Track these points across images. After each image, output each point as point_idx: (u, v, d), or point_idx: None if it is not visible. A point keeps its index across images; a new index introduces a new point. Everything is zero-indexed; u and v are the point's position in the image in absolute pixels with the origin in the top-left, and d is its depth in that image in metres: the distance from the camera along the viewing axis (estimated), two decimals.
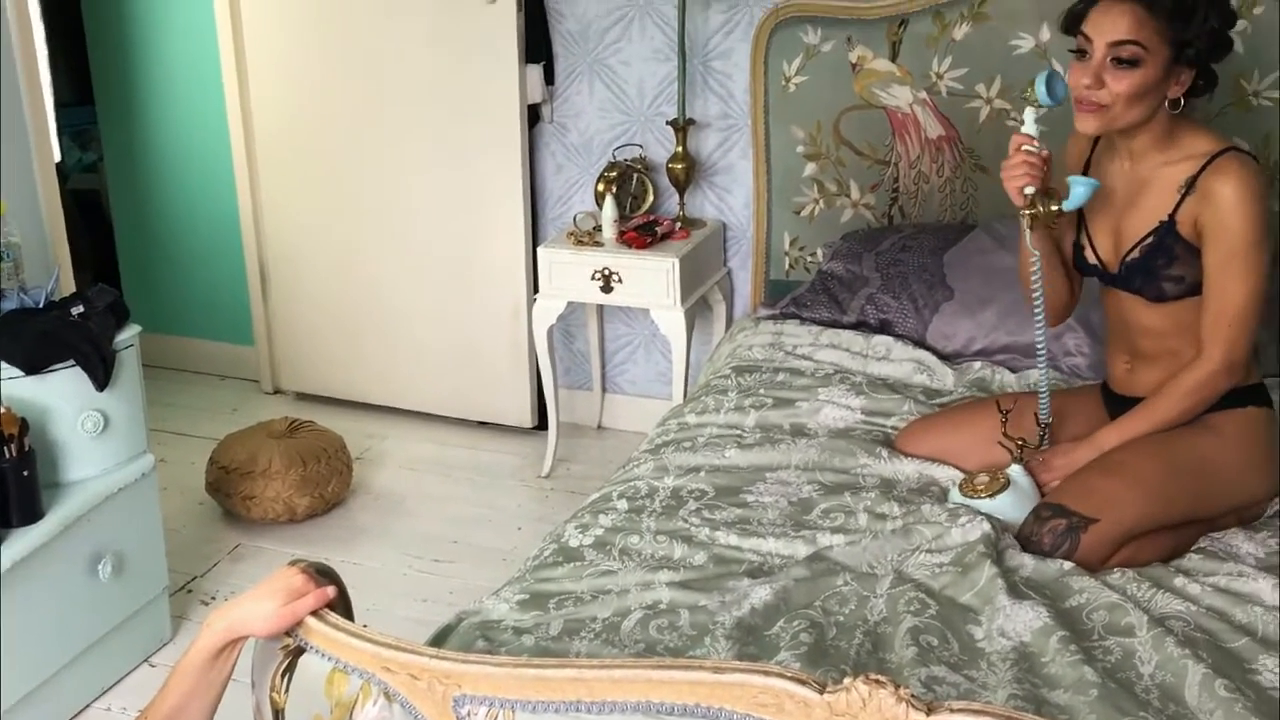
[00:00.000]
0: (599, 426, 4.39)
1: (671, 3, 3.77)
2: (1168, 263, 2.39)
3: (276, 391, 4.72)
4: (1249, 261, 2.31)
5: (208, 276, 4.79)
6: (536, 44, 3.96)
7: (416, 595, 3.43)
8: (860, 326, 3.29)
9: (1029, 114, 2.40)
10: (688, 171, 3.82)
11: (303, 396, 4.66)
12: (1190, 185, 2.34)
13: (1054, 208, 2.39)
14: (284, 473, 3.71)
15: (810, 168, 3.71)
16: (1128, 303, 2.49)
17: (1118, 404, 2.55)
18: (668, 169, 3.84)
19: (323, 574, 1.76)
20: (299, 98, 4.30)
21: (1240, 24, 3.15)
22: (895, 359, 3.14)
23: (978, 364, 3.11)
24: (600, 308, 4.21)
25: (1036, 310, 2.50)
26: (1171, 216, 2.38)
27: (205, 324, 4.88)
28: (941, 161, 3.57)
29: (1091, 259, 2.53)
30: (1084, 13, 2.35)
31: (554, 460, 4.07)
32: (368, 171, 4.25)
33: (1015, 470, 2.47)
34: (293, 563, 1.76)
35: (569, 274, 3.78)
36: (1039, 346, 2.54)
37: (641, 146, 3.99)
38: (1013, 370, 3.08)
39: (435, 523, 3.81)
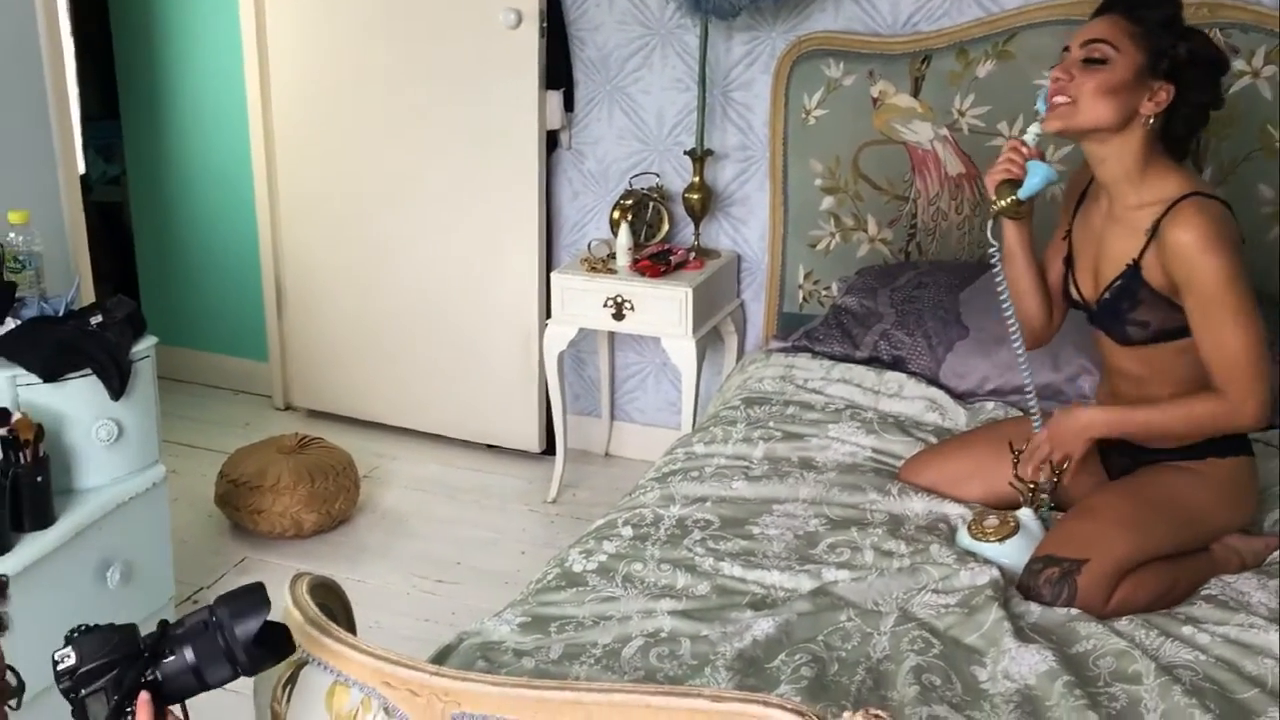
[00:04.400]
0: (606, 453, 4.39)
1: (693, 32, 3.79)
2: (1132, 306, 2.38)
3: (288, 408, 4.74)
4: (1229, 306, 2.24)
5: (224, 292, 4.82)
6: (557, 70, 3.98)
7: (419, 614, 3.42)
8: (873, 362, 3.28)
9: (1033, 127, 2.39)
10: (704, 202, 3.83)
11: (314, 413, 4.67)
12: (1154, 231, 2.32)
13: (1010, 197, 2.38)
14: (292, 488, 3.71)
15: (828, 201, 3.72)
16: (1105, 342, 2.51)
17: (1102, 443, 2.51)
18: (684, 199, 3.85)
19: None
20: (321, 117, 4.33)
21: (1269, 70, 3.16)
22: (907, 396, 3.13)
23: (990, 404, 3.08)
24: (611, 335, 4.22)
25: (1006, 308, 2.50)
26: (1136, 261, 2.36)
27: (220, 339, 4.91)
28: (961, 199, 3.57)
29: (1075, 294, 2.54)
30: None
31: (560, 485, 4.06)
32: (387, 192, 4.27)
33: (1025, 513, 2.46)
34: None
35: (582, 300, 3.78)
36: (1017, 350, 2.55)
37: (659, 175, 4.01)
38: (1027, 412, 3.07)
39: (440, 544, 3.81)
